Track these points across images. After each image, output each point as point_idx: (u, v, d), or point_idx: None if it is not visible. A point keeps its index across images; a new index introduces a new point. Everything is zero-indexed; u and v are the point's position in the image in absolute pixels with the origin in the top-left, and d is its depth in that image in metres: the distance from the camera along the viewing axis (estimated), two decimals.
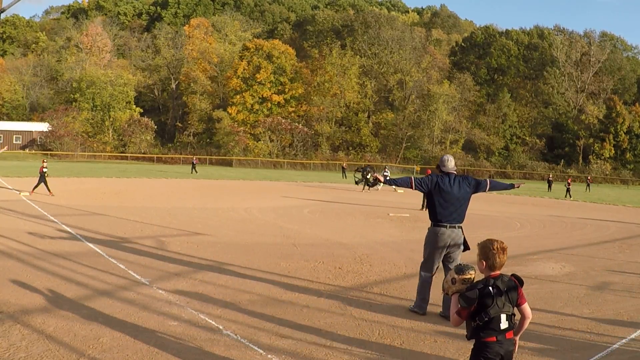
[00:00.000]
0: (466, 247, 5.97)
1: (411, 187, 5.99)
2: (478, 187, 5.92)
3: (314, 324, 5.28)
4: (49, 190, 17.85)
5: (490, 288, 2.91)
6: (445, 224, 5.75)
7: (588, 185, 40.37)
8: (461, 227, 5.91)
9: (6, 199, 15.78)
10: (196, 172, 38.82)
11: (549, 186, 38.22)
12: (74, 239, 9.54)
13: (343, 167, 46.14)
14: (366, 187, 5.06)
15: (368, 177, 5.00)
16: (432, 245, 5.82)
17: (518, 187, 6.36)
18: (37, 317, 5.07)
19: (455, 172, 5.94)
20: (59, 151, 58.13)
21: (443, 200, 5.75)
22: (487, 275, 2.99)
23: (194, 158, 43.90)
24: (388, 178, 6.37)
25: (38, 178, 18.17)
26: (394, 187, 29.75)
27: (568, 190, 31.79)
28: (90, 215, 12.97)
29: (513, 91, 74.04)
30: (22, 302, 5.50)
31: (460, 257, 6.03)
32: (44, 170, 18.12)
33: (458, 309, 2.96)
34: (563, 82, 72.16)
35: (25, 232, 10.00)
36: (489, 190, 6.08)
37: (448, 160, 5.90)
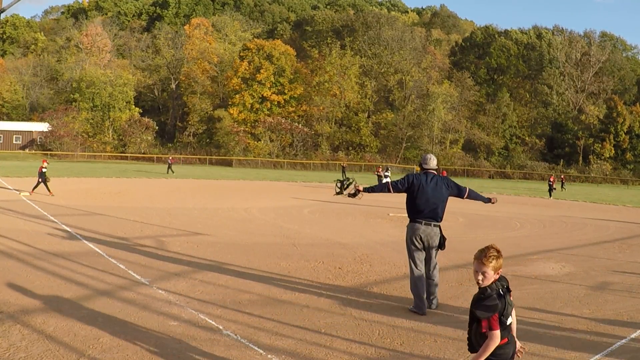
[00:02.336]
0: (441, 246, 6.02)
1: (390, 192, 6.11)
2: (457, 192, 6.08)
3: (314, 324, 5.27)
4: (48, 190, 17.85)
5: (500, 290, 2.93)
6: (421, 220, 5.89)
7: (562, 183, 39.77)
8: (439, 227, 5.98)
9: (6, 199, 15.78)
10: (172, 171, 37.09)
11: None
12: (74, 239, 9.54)
13: (343, 167, 46.14)
14: (342, 193, 4.85)
15: (348, 189, 4.93)
16: (409, 240, 5.96)
17: (494, 202, 6.44)
18: (37, 317, 5.07)
19: (434, 172, 6.11)
20: (59, 151, 58.13)
21: (418, 198, 5.91)
22: (494, 280, 3.01)
23: (170, 157, 42.45)
24: (369, 187, 6.49)
25: (39, 177, 18.18)
26: None
27: (550, 189, 30.55)
28: (90, 215, 12.97)
29: (512, 91, 74.05)
30: (22, 302, 5.50)
31: (437, 256, 6.10)
32: (44, 170, 18.13)
33: (486, 322, 2.88)
34: (563, 82, 72.14)
35: (25, 232, 9.99)
36: (466, 197, 6.20)
37: (430, 159, 6.09)
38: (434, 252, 6.01)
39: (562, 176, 43.75)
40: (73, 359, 4.14)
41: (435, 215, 5.92)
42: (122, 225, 11.45)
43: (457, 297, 6.60)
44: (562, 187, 39.24)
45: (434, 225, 5.91)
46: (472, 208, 19.78)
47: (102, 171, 35.79)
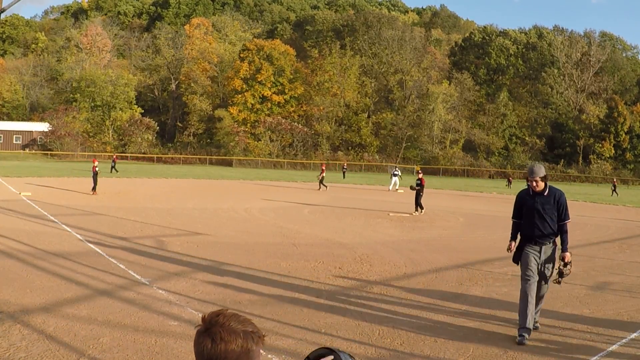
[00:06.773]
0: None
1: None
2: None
3: (314, 324, 5.27)
4: (94, 188, 18.89)
5: None
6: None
7: (614, 188, 35.95)
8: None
9: (6, 199, 15.78)
10: (116, 171, 35.59)
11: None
12: (74, 239, 9.53)
13: (344, 168, 46.15)
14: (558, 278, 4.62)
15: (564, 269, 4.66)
16: None
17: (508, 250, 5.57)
18: (37, 317, 5.07)
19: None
20: (59, 151, 58.11)
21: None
22: None
23: (114, 156, 41.47)
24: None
25: (93, 178, 19.19)
26: (395, 187, 29.74)
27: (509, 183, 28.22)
28: (90, 215, 12.97)
29: (512, 91, 74.01)
30: (22, 302, 5.50)
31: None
32: (96, 169, 19.34)
33: None
34: (563, 82, 72.10)
35: (25, 232, 9.99)
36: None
37: (537, 168, 5.30)
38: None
39: (615, 179, 38.88)
40: (73, 359, 4.14)
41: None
42: (122, 225, 11.44)
43: (457, 297, 6.60)
44: (613, 191, 35.68)
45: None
46: (472, 208, 19.79)
47: (102, 171, 35.71)
